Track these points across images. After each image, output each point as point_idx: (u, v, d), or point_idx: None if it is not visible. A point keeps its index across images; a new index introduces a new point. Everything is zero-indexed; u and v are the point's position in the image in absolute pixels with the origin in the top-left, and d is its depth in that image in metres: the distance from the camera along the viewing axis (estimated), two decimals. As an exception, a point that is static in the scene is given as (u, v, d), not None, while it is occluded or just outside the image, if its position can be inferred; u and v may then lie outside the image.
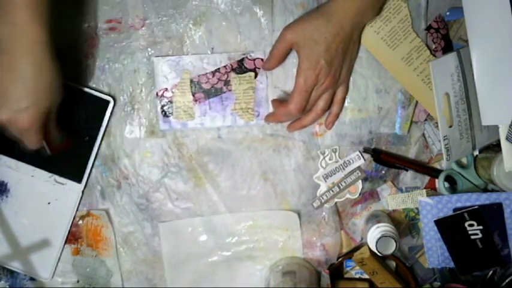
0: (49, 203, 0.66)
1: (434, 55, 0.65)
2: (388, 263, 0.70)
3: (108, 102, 0.64)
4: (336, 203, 0.68)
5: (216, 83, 0.65)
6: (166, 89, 0.65)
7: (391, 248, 0.63)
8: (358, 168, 0.67)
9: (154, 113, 0.65)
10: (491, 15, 0.58)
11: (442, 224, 0.64)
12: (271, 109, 0.65)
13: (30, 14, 0.50)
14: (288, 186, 0.67)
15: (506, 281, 0.66)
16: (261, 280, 0.69)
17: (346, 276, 0.71)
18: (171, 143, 0.66)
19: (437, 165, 0.69)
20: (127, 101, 0.65)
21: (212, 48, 0.64)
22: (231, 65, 0.64)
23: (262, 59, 0.64)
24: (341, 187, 0.67)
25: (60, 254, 0.68)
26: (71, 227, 0.67)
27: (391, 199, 0.68)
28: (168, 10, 0.63)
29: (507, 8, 0.57)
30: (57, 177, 0.66)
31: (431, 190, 0.68)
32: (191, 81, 0.65)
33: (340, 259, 0.69)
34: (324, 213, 0.68)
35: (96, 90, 0.64)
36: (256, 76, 0.65)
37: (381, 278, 0.67)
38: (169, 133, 0.66)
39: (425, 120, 0.67)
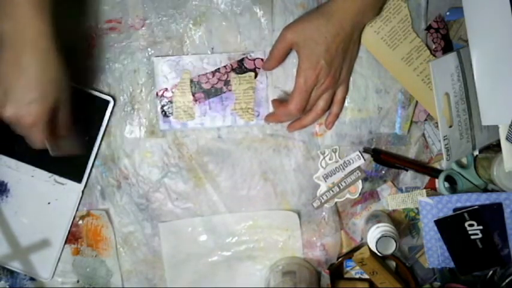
0: (49, 203, 0.66)
1: (434, 55, 0.65)
2: (388, 263, 0.70)
3: (108, 102, 0.64)
4: (336, 203, 0.68)
5: (216, 83, 0.65)
6: (166, 89, 0.65)
7: (391, 248, 0.63)
8: (358, 168, 0.67)
9: (154, 113, 0.65)
10: (491, 15, 0.58)
11: (442, 224, 0.64)
12: (271, 109, 0.65)
13: (33, 8, 0.50)
14: (288, 186, 0.67)
15: (506, 281, 0.66)
16: (261, 280, 0.69)
17: (346, 276, 0.71)
18: (171, 143, 0.66)
19: (437, 165, 0.69)
20: (127, 101, 0.65)
21: (212, 48, 0.64)
22: (231, 65, 0.64)
23: (262, 59, 0.64)
24: (341, 187, 0.67)
25: (60, 254, 0.68)
26: (71, 227, 0.67)
27: (391, 199, 0.68)
28: (168, 10, 0.63)
29: (507, 8, 0.57)
30: (57, 177, 0.66)
31: (431, 190, 0.68)
32: (191, 81, 0.65)
33: (340, 259, 0.69)
34: (324, 213, 0.68)
35: (96, 90, 0.64)
36: (256, 76, 0.65)
37: (380, 278, 0.67)
38: (169, 133, 0.66)
39: (425, 120, 0.67)
